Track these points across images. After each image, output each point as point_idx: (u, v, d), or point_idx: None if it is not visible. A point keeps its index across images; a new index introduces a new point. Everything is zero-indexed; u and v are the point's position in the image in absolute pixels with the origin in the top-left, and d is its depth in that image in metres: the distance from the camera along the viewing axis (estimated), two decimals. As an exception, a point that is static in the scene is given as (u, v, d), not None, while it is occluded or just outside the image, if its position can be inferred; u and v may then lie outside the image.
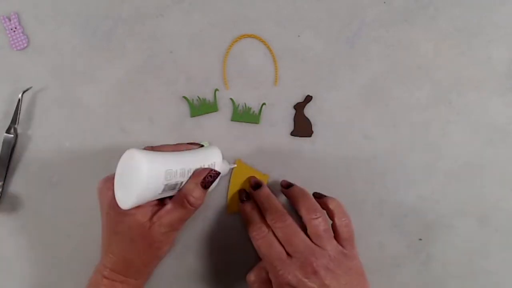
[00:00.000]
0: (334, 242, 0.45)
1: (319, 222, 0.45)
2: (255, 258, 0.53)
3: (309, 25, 0.55)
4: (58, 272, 0.53)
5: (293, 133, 0.54)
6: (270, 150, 0.54)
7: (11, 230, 0.53)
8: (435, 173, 0.54)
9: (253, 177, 0.52)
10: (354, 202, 0.54)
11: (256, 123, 0.54)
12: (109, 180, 0.45)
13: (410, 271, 0.54)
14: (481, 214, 0.54)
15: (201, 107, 0.54)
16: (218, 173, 0.46)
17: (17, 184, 0.53)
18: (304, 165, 0.54)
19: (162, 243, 0.46)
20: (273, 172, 0.54)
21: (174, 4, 0.55)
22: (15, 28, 0.54)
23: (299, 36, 0.55)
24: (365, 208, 0.54)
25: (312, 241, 0.44)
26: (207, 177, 0.45)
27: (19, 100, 0.52)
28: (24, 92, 0.53)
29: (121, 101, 0.54)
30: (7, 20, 0.54)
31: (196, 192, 0.45)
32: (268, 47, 0.55)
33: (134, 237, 0.44)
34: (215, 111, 0.54)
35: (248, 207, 0.50)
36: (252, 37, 0.55)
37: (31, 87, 0.53)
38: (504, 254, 0.54)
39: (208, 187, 0.46)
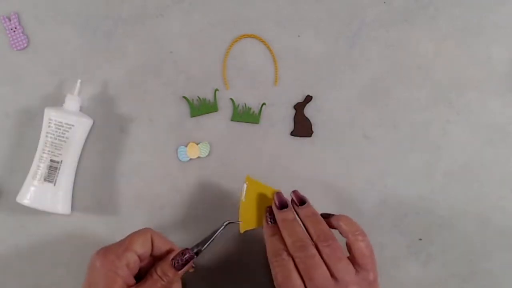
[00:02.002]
0: (351, 267, 0.41)
1: (331, 250, 0.41)
2: (254, 261, 0.53)
3: (309, 25, 0.55)
4: (58, 272, 0.53)
5: (293, 133, 0.54)
6: (270, 150, 0.54)
7: (11, 230, 0.53)
8: (435, 173, 0.54)
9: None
10: (354, 202, 0.54)
11: (256, 123, 0.54)
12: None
13: (410, 271, 0.54)
14: (481, 214, 0.54)
15: (201, 107, 0.54)
16: (192, 256, 0.44)
17: (17, 183, 0.53)
18: (304, 165, 0.54)
19: None
20: (273, 172, 0.54)
21: (174, 4, 0.55)
22: (15, 28, 0.54)
23: (299, 36, 0.55)
24: (365, 208, 0.54)
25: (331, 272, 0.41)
26: (176, 257, 0.44)
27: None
28: (228, 223, 0.48)
29: (121, 101, 0.54)
30: (7, 20, 0.54)
31: (167, 272, 0.43)
32: (268, 47, 0.55)
33: None
34: (215, 111, 0.54)
35: (270, 230, 0.45)
36: (252, 37, 0.55)
37: (239, 222, 0.47)
38: (504, 254, 0.54)
39: (180, 269, 0.44)
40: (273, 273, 0.42)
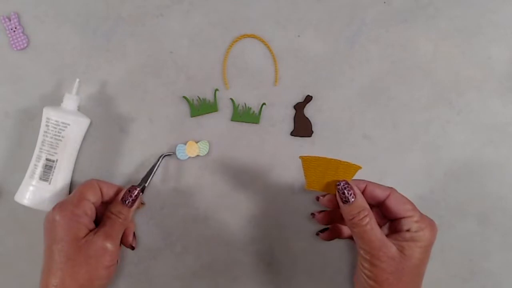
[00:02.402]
0: None
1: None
2: (255, 256, 0.53)
3: (309, 25, 0.55)
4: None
5: (293, 133, 0.54)
6: (270, 150, 0.54)
7: (11, 230, 0.53)
8: (435, 173, 0.54)
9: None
10: (354, 202, 0.54)
11: (256, 123, 0.54)
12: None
13: (410, 271, 0.54)
14: (481, 214, 0.54)
15: (201, 107, 0.54)
16: (139, 192, 0.49)
17: (17, 183, 0.53)
18: (304, 165, 0.54)
19: (99, 258, 0.46)
20: (273, 172, 0.54)
21: (174, 4, 0.55)
22: (15, 28, 0.54)
23: (299, 36, 0.55)
24: (365, 208, 0.54)
25: None
26: (125, 196, 0.49)
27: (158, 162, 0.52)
28: (164, 156, 0.53)
29: (121, 101, 0.54)
30: (7, 20, 0.54)
31: (121, 210, 0.48)
32: (268, 47, 0.55)
33: (69, 254, 0.45)
34: (215, 111, 0.54)
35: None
36: (252, 37, 0.55)
37: (173, 153, 0.53)
38: (504, 254, 0.54)
39: (132, 205, 0.49)
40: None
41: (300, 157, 0.46)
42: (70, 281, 0.44)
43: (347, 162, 0.44)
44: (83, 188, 0.48)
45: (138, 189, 0.49)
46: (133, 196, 0.49)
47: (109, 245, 0.46)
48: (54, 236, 0.45)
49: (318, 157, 0.45)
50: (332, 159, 0.45)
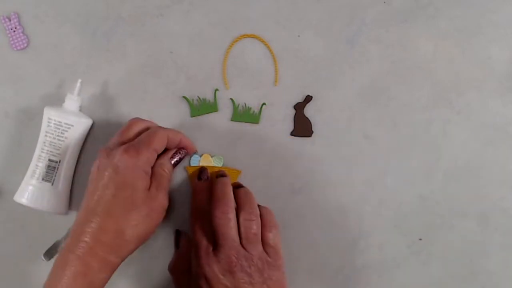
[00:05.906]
0: (261, 248, 0.46)
1: (252, 224, 0.46)
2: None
3: (309, 25, 0.55)
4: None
5: (293, 133, 0.54)
6: (270, 150, 0.54)
7: (11, 230, 0.53)
8: (435, 173, 0.54)
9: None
10: (354, 202, 0.54)
11: (256, 123, 0.54)
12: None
13: (410, 271, 0.54)
14: (481, 214, 0.54)
15: (201, 107, 0.54)
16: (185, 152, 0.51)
17: (17, 183, 0.53)
18: (304, 165, 0.54)
19: (159, 214, 0.46)
20: (272, 172, 0.54)
21: (174, 4, 0.55)
22: (15, 28, 0.54)
23: (299, 36, 0.55)
24: (365, 208, 0.54)
25: (241, 243, 0.45)
26: (175, 155, 0.50)
27: None
28: None
29: (121, 101, 0.54)
30: (7, 20, 0.54)
31: (171, 169, 0.49)
32: (268, 47, 0.55)
33: (137, 203, 0.44)
34: (215, 111, 0.54)
35: (222, 183, 0.49)
36: (252, 37, 0.55)
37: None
38: (504, 254, 0.54)
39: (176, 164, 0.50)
40: (218, 223, 0.45)
41: (186, 167, 0.52)
42: (130, 230, 0.44)
43: (228, 168, 0.51)
44: (153, 139, 0.46)
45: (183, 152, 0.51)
46: (181, 157, 0.50)
47: (166, 203, 0.47)
48: (121, 183, 0.44)
49: (202, 166, 0.52)
50: (214, 166, 0.52)
